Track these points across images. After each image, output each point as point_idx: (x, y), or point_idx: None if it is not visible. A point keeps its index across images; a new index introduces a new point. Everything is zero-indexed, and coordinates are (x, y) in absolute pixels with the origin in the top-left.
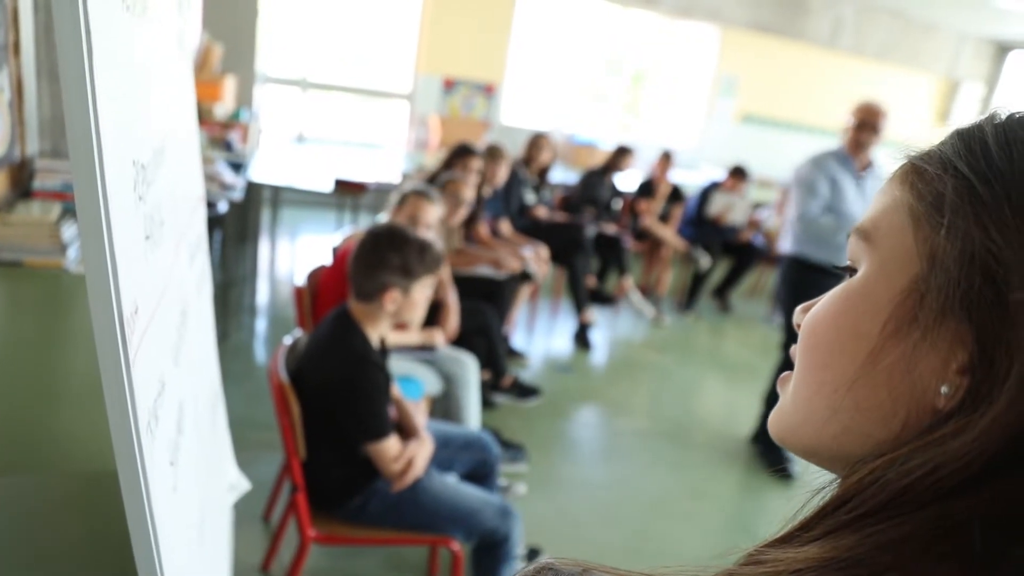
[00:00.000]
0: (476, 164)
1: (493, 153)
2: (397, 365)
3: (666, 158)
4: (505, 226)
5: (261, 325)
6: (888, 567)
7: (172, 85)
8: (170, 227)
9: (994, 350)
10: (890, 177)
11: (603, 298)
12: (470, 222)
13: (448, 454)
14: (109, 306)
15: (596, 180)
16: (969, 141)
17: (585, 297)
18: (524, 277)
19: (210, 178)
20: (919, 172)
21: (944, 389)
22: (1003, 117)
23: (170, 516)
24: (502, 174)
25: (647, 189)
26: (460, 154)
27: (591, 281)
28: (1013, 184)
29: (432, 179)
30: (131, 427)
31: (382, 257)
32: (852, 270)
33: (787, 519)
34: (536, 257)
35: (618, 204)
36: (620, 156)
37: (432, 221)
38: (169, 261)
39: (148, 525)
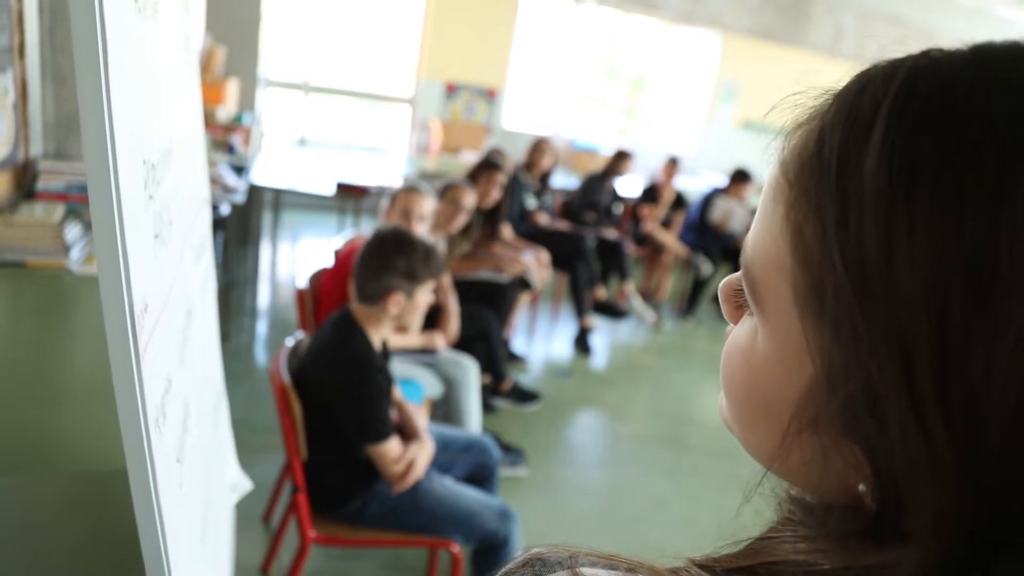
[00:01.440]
0: (500, 178)
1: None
2: (398, 368)
3: (672, 164)
4: (506, 231)
5: (262, 327)
6: None
7: (179, 86)
8: (177, 227)
9: (888, 484)
10: (768, 186)
11: (614, 311)
12: (493, 224)
13: (448, 457)
14: (120, 302)
15: (596, 185)
16: (847, 177)
17: (586, 302)
18: (524, 285)
19: (212, 181)
20: (799, 216)
21: (862, 487)
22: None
23: (176, 513)
24: (495, 194)
25: (651, 195)
26: (484, 167)
27: (601, 294)
28: (897, 327)
29: (444, 188)
30: (141, 422)
31: (388, 260)
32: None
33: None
34: (536, 262)
35: (619, 209)
36: (619, 160)
37: (425, 213)
38: (176, 261)
39: (156, 520)
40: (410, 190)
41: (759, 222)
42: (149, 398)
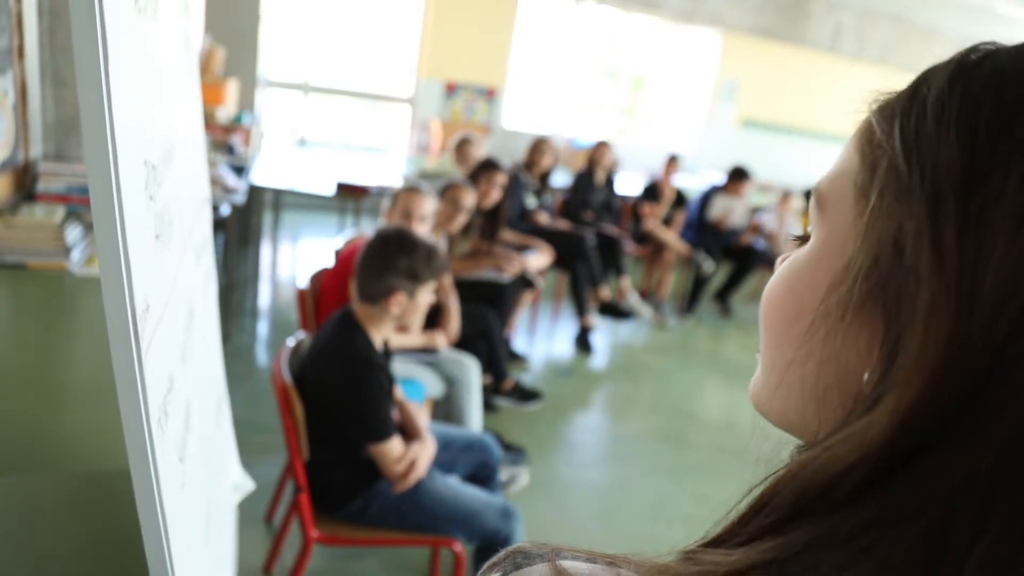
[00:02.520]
0: (500, 179)
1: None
2: (399, 367)
3: (672, 161)
4: (507, 233)
5: (263, 328)
6: (812, 567)
7: (179, 86)
8: (178, 227)
9: (899, 337)
10: (854, 132)
11: (617, 311)
12: (493, 225)
13: (450, 456)
14: (123, 302)
15: (584, 183)
16: (916, 103)
17: (587, 301)
18: (525, 284)
19: (212, 181)
20: (870, 134)
21: (866, 375)
22: (967, 64)
23: (179, 512)
24: (495, 195)
25: (652, 193)
26: (484, 168)
27: (604, 294)
28: (933, 158)
29: (444, 188)
30: (143, 422)
31: (390, 261)
32: (807, 238)
33: (723, 518)
34: (540, 255)
35: (617, 203)
36: (599, 151)
37: (426, 213)
38: (176, 261)
39: (159, 520)
40: (411, 190)
41: (837, 159)
42: (151, 398)
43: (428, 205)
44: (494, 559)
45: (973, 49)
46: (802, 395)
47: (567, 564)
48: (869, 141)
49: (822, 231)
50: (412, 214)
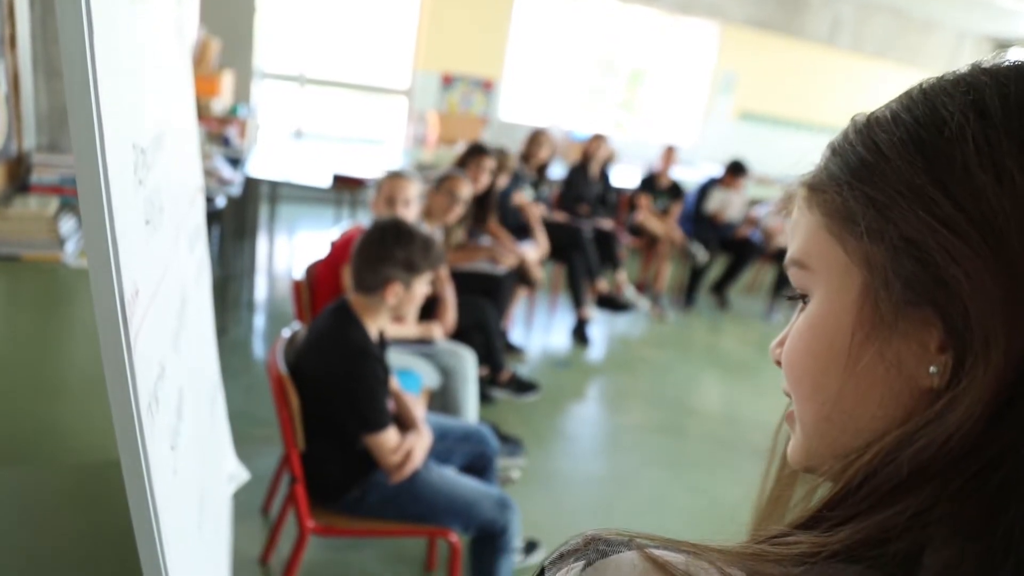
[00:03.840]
0: (489, 164)
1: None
2: (395, 359)
3: (670, 152)
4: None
5: (259, 321)
6: (916, 539)
7: (171, 73)
8: (169, 214)
9: (957, 321)
10: (796, 207)
11: (615, 304)
12: (482, 215)
13: (446, 446)
14: (110, 286)
15: (578, 176)
16: (843, 154)
17: (584, 293)
18: (523, 279)
19: (208, 173)
20: (818, 194)
21: (933, 369)
22: (861, 121)
23: (170, 500)
24: (484, 180)
25: (649, 184)
26: (473, 153)
27: (602, 286)
28: (891, 175)
29: (440, 179)
30: (132, 408)
31: (387, 251)
32: (804, 297)
33: (798, 507)
34: (536, 249)
35: (613, 197)
36: (594, 144)
37: (410, 197)
38: (168, 248)
39: (149, 507)
40: (394, 176)
41: (794, 233)
42: (141, 383)
43: (412, 189)
44: (569, 546)
45: (854, 118)
46: (859, 416)
47: (658, 552)
48: (824, 201)
49: (819, 284)
50: (396, 199)
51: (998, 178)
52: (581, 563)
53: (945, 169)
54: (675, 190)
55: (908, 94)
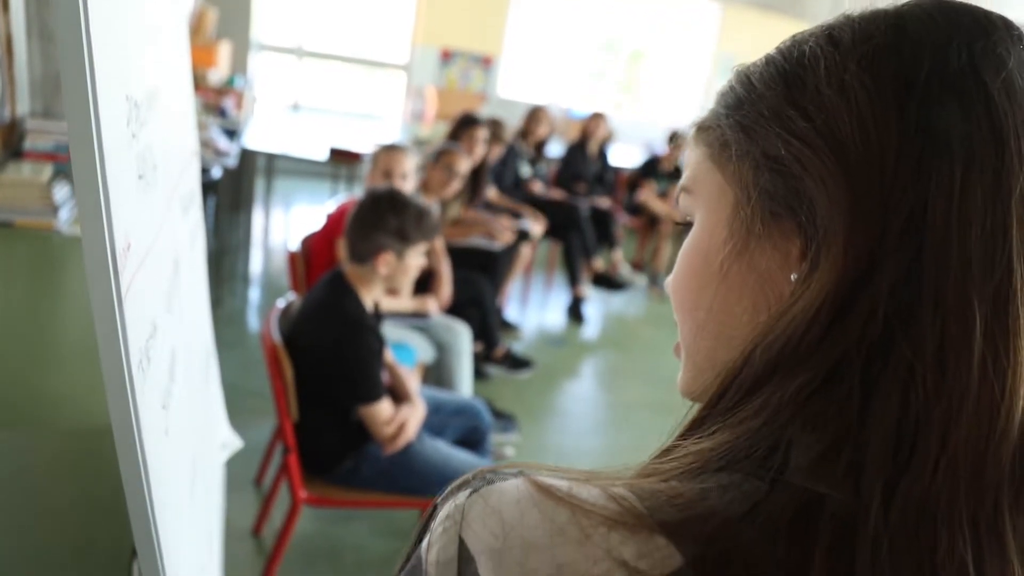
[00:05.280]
0: (481, 134)
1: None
2: (390, 332)
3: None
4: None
5: (254, 293)
6: (777, 438)
7: (165, 33)
8: (163, 173)
9: (809, 226)
10: (687, 144)
11: (611, 283)
12: (475, 188)
13: (440, 420)
14: (101, 236)
15: (576, 155)
16: (723, 95)
17: (580, 271)
18: (521, 237)
19: (204, 144)
20: (703, 130)
21: (794, 276)
22: (741, 68)
23: (161, 459)
24: (478, 151)
25: (652, 167)
26: (465, 124)
27: (597, 265)
28: (758, 103)
29: (437, 153)
30: (123, 362)
31: (380, 219)
32: (689, 224)
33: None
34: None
35: (610, 176)
36: (593, 123)
37: (406, 171)
38: (162, 208)
39: (139, 464)
40: (390, 148)
41: (685, 167)
42: (132, 339)
43: (408, 163)
44: (461, 479)
45: (736, 67)
46: (731, 327)
47: (545, 478)
48: (706, 136)
49: (699, 205)
50: (393, 172)
51: (841, 91)
52: (467, 491)
53: (800, 91)
54: (678, 173)
55: (782, 42)
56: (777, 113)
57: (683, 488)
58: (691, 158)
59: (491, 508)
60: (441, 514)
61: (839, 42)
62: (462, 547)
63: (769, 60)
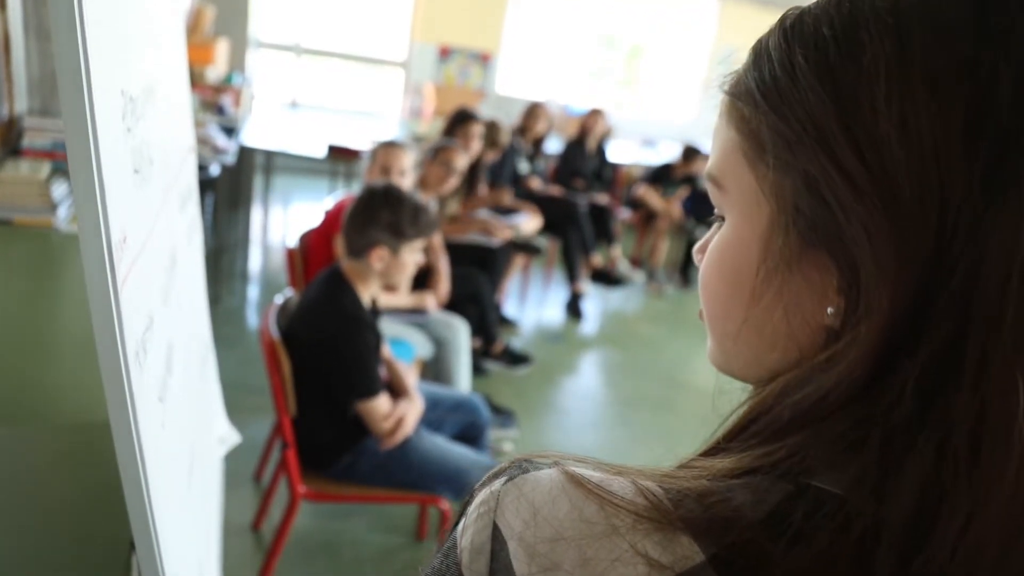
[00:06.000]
0: (477, 130)
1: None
2: (388, 328)
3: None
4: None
5: (253, 291)
6: (798, 466)
7: (161, 29)
8: (160, 168)
9: (849, 271)
10: (719, 114)
11: (609, 279)
12: (471, 184)
13: (438, 415)
14: (97, 228)
15: (575, 151)
16: (760, 67)
17: (578, 267)
18: (523, 248)
19: (202, 141)
20: (735, 107)
21: (830, 310)
22: (789, 23)
23: (159, 452)
24: (474, 147)
25: (664, 175)
26: (460, 120)
27: (596, 261)
28: (798, 107)
29: (435, 150)
30: (119, 352)
31: (374, 214)
32: (722, 218)
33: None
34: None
35: (609, 173)
36: (591, 119)
37: (405, 167)
38: (159, 202)
39: (137, 457)
40: (389, 145)
41: (714, 143)
42: (128, 332)
43: (407, 159)
44: (499, 467)
45: (785, 16)
46: (760, 347)
47: (578, 470)
48: (740, 117)
49: (732, 207)
50: (391, 169)
51: (903, 124)
52: (503, 478)
53: (852, 109)
54: (688, 181)
55: None
56: (823, 132)
57: (712, 486)
58: (720, 136)
59: (524, 496)
60: (477, 499)
61: (907, 42)
62: (495, 532)
63: (819, 35)
